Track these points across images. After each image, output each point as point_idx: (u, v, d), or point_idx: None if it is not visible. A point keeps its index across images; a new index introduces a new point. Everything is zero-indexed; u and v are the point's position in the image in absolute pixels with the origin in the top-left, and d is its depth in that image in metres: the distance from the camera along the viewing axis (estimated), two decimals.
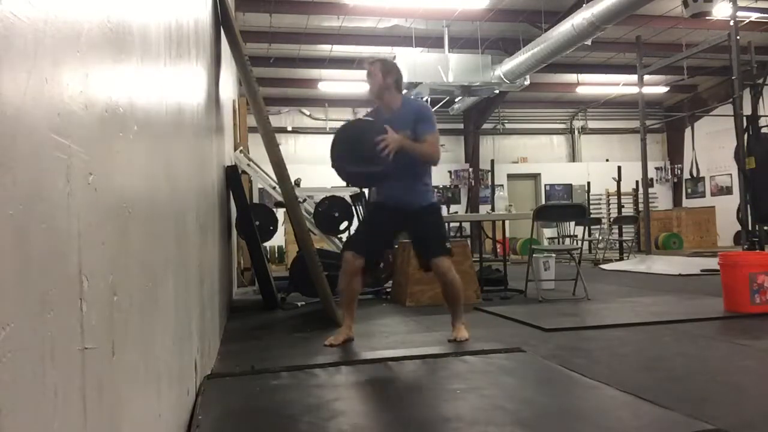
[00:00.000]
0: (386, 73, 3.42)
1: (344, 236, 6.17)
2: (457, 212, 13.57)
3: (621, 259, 9.91)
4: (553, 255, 6.22)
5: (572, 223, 7.78)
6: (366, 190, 6.02)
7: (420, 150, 3.33)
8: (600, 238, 11.27)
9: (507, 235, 8.24)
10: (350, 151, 3.34)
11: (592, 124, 16.46)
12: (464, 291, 4.99)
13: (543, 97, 15.42)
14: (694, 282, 6.40)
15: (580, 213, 6.10)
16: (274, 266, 10.12)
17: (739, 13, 7.84)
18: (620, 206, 11.49)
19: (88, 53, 0.91)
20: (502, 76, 11.06)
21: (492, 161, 12.09)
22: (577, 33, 8.80)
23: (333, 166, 3.40)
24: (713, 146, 14.50)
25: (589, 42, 9.10)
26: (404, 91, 3.61)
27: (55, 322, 0.75)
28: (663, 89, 14.02)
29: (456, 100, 13.15)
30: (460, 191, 15.36)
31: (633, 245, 11.20)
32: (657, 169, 16.15)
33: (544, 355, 2.89)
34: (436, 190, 3.75)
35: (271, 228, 5.87)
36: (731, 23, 7.36)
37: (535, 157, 16.15)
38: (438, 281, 3.53)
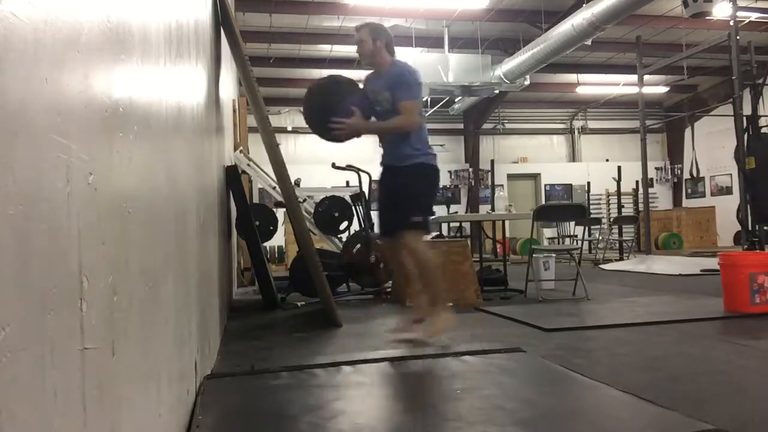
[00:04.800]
0: (375, 37, 3.43)
1: (344, 236, 6.18)
2: (457, 212, 13.57)
3: (621, 259, 9.91)
4: (553, 255, 6.21)
5: (572, 223, 7.79)
6: (366, 190, 6.03)
7: (384, 127, 3.40)
8: (600, 238, 11.27)
9: (507, 235, 8.25)
10: (316, 111, 3.47)
11: (592, 124, 16.46)
12: (463, 291, 5.06)
13: (543, 97, 15.43)
14: (694, 282, 6.40)
15: (580, 213, 6.10)
16: (274, 266, 10.12)
17: (739, 13, 7.85)
18: (620, 206, 11.49)
19: (88, 53, 0.91)
20: (502, 76, 11.06)
21: (492, 161, 12.10)
22: (577, 33, 8.80)
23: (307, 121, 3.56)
24: (713, 146, 14.51)
25: (589, 42, 9.10)
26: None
27: (55, 322, 0.75)
28: (663, 89, 14.02)
29: (456, 100, 13.16)
30: (460, 191, 15.36)
31: (633, 245, 11.21)
32: (657, 169, 16.16)
33: (544, 355, 2.89)
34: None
35: (271, 228, 5.87)
36: (731, 23, 7.36)
37: (535, 157, 16.16)
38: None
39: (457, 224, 8.73)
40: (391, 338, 3.33)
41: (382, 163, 3.55)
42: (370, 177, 5.96)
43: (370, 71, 3.59)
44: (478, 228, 9.59)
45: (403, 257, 3.40)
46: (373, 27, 3.50)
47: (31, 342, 0.68)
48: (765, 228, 6.99)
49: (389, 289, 5.72)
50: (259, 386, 2.40)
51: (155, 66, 1.48)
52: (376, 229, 3.65)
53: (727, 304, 4.17)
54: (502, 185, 14.86)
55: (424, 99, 12.31)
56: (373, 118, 3.48)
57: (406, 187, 3.37)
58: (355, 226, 6.06)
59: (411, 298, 4.98)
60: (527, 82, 11.61)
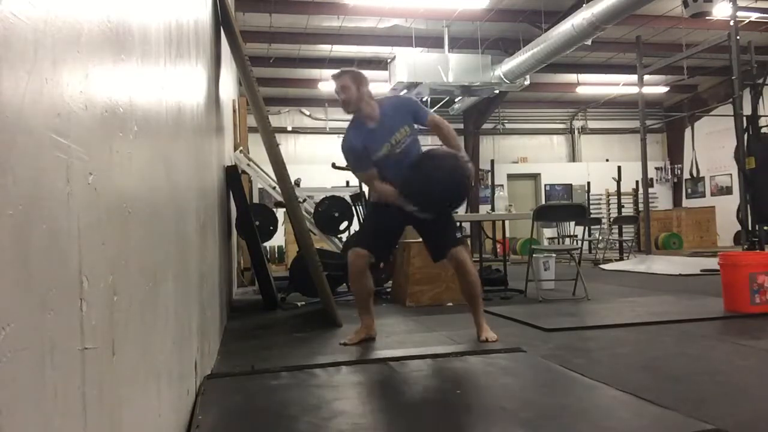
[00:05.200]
0: (359, 83, 3.32)
1: (344, 236, 6.19)
2: (457, 212, 13.56)
3: (621, 259, 9.91)
4: (553, 255, 6.21)
5: (572, 223, 7.78)
6: (366, 189, 6.03)
7: (453, 144, 3.36)
8: (600, 238, 11.27)
9: (507, 235, 8.24)
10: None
11: (592, 124, 16.46)
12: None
13: (543, 97, 15.42)
14: (694, 282, 6.40)
15: (580, 213, 6.10)
16: (274, 266, 10.12)
17: (739, 13, 7.84)
18: (620, 206, 11.48)
19: (88, 53, 0.91)
20: (502, 76, 11.06)
21: (492, 161, 12.09)
22: (577, 33, 8.80)
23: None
24: (713, 146, 14.51)
25: (589, 42, 9.10)
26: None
27: (55, 322, 0.75)
28: (663, 89, 14.02)
29: (456, 100, 13.15)
30: None
31: (633, 245, 11.20)
32: (657, 169, 16.15)
33: (544, 355, 2.89)
34: None
35: (271, 228, 5.87)
36: (731, 23, 7.36)
37: (535, 157, 16.15)
38: (457, 276, 3.51)
39: (457, 224, 8.73)
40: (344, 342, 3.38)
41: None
42: None
43: (353, 122, 3.40)
44: (478, 228, 9.59)
45: (366, 276, 3.40)
46: (354, 73, 3.38)
47: (31, 342, 0.68)
48: (765, 228, 6.99)
49: (389, 289, 5.72)
50: (259, 386, 2.40)
51: (155, 66, 1.48)
52: (363, 244, 3.49)
53: (727, 304, 4.17)
54: (502, 185, 14.85)
55: (424, 99, 12.33)
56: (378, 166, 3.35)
57: (447, 215, 3.45)
58: (355, 226, 6.06)
59: (411, 298, 4.99)
60: (527, 82, 11.60)
